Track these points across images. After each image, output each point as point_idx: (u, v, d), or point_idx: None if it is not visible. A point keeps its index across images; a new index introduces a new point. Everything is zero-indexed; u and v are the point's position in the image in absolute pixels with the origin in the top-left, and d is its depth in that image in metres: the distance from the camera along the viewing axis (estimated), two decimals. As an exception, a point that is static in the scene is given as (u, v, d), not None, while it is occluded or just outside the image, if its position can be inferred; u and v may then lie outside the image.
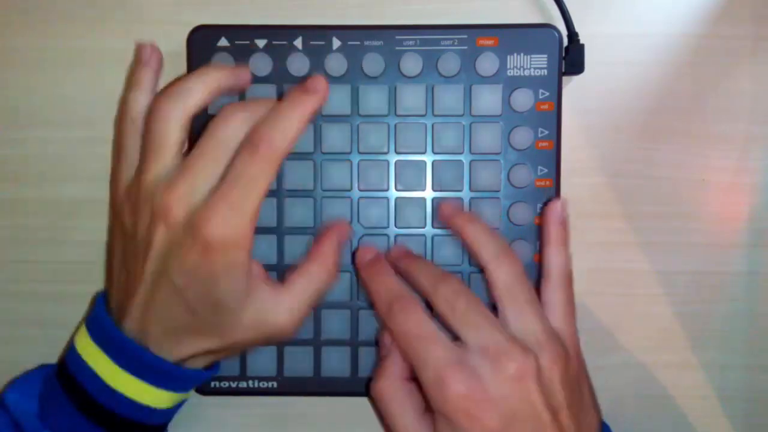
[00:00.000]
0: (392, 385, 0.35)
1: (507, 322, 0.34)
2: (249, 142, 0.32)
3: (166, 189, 0.32)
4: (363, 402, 0.41)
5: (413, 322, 0.34)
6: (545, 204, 0.38)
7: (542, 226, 0.38)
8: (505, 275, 0.35)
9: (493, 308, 0.35)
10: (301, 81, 0.35)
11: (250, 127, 0.33)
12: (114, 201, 0.35)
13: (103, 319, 0.34)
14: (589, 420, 0.35)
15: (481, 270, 0.36)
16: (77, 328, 0.37)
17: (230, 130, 0.33)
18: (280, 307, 0.34)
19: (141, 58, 0.36)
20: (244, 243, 0.32)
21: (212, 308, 0.33)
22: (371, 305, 0.38)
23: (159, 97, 0.34)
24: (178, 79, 0.35)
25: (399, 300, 0.35)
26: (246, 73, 0.36)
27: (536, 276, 0.38)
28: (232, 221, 0.31)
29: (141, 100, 0.35)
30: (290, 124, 0.33)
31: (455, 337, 0.34)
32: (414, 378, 0.35)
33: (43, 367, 0.37)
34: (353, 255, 0.39)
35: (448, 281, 0.35)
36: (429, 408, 0.34)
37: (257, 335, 0.34)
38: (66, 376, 0.35)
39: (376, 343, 0.40)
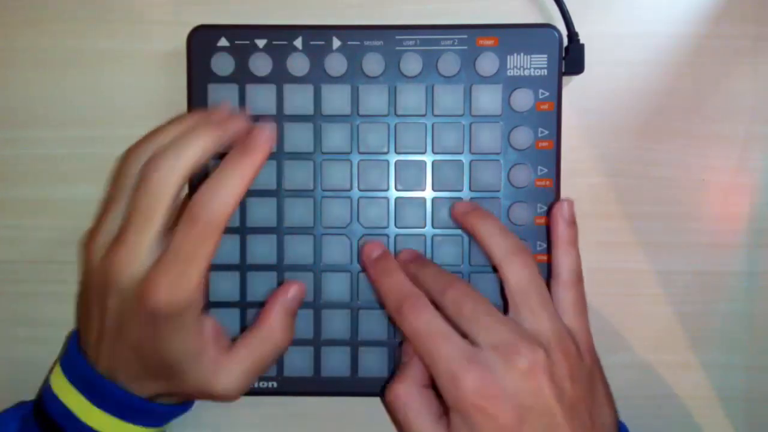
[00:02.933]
0: (410, 390, 0.35)
1: (520, 319, 0.34)
2: (188, 216, 0.32)
3: (109, 253, 0.33)
4: (363, 402, 0.41)
5: (424, 320, 0.34)
6: (552, 205, 0.38)
7: (550, 226, 0.38)
8: (517, 274, 0.35)
9: (503, 308, 0.36)
10: (252, 128, 0.33)
11: (182, 177, 0.32)
12: (80, 252, 0.36)
13: (76, 359, 0.35)
14: (604, 417, 0.35)
15: (494, 268, 0.36)
16: (53, 367, 0.37)
17: (160, 190, 0.32)
18: (222, 374, 0.34)
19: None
20: (189, 310, 0.32)
21: (163, 366, 0.34)
22: (380, 303, 0.38)
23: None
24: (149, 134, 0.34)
25: (408, 299, 0.35)
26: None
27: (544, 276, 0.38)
28: (176, 293, 0.31)
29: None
30: (230, 192, 0.32)
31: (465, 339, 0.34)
32: (432, 385, 0.35)
33: (20, 406, 0.37)
34: (358, 252, 0.39)
35: (455, 284, 0.35)
36: (445, 412, 0.34)
37: (203, 394, 0.35)
38: (42, 413, 0.35)
39: (376, 343, 0.40)
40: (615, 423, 0.36)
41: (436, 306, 0.35)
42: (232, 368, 0.34)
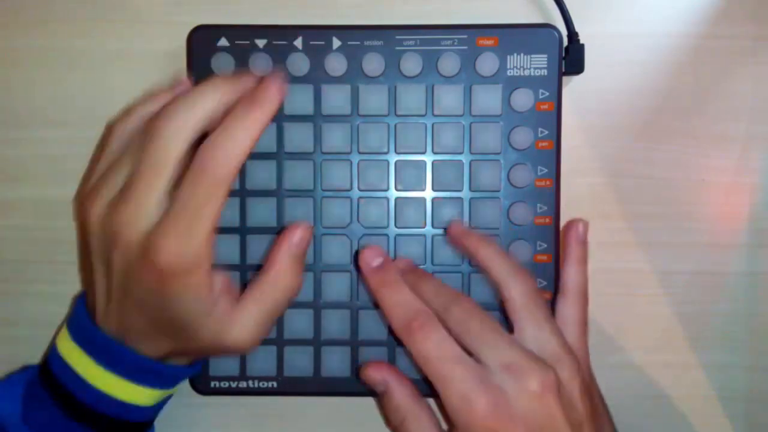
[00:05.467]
0: (409, 411, 0.35)
1: (525, 337, 0.34)
2: (195, 166, 0.31)
3: (114, 211, 0.32)
4: (363, 402, 0.41)
5: (434, 342, 0.33)
6: (568, 223, 0.39)
7: (564, 244, 0.38)
8: (521, 293, 0.35)
9: (506, 325, 0.36)
10: (263, 79, 0.32)
11: (188, 137, 0.31)
12: (75, 208, 0.35)
13: (83, 320, 0.34)
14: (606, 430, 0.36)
15: (496, 290, 0.36)
16: (59, 329, 0.37)
17: (167, 147, 0.31)
18: (235, 327, 0.33)
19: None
20: (199, 266, 0.31)
21: (175, 319, 0.33)
22: (375, 306, 0.38)
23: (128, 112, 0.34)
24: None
25: (418, 318, 0.34)
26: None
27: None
28: (185, 248, 0.31)
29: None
30: (239, 144, 0.31)
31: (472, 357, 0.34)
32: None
33: (26, 370, 0.37)
34: (355, 255, 0.39)
35: (459, 301, 0.35)
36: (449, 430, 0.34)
37: (216, 348, 0.34)
38: (49, 377, 0.35)
39: (376, 343, 0.40)
40: None
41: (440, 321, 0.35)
42: (244, 320, 0.33)
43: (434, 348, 0.33)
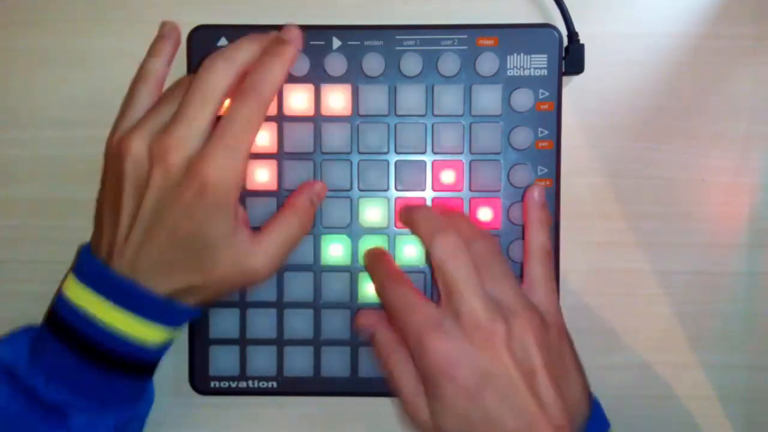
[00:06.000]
0: (394, 351, 0.37)
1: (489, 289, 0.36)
2: (240, 92, 0.35)
3: (163, 135, 0.35)
4: (363, 402, 0.41)
5: (399, 293, 0.37)
6: (524, 192, 0.39)
7: (525, 211, 0.39)
8: (480, 248, 0.36)
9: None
10: (279, 31, 0.38)
11: (233, 75, 0.35)
12: (111, 147, 0.37)
13: (94, 263, 0.36)
14: (573, 390, 0.37)
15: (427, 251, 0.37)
16: (62, 281, 0.37)
17: (216, 79, 0.35)
18: (259, 251, 0.36)
19: (163, 32, 0.39)
20: (236, 183, 0.35)
21: (199, 245, 0.35)
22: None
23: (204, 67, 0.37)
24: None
25: (389, 277, 0.38)
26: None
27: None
28: (229, 162, 0.34)
29: (157, 67, 0.38)
30: (275, 74, 0.36)
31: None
32: None
33: (28, 328, 0.38)
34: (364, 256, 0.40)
35: (445, 234, 0.36)
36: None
37: (235, 276, 0.36)
38: (56, 323, 0.36)
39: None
40: (586, 397, 0.37)
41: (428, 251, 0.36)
42: (267, 248, 0.37)
43: (399, 298, 0.36)
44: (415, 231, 0.38)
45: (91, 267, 0.36)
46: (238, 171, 0.35)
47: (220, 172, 0.34)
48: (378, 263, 0.39)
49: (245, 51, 0.36)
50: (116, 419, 0.36)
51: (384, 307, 0.38)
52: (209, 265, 0.35)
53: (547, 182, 0.39)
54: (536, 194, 0.39)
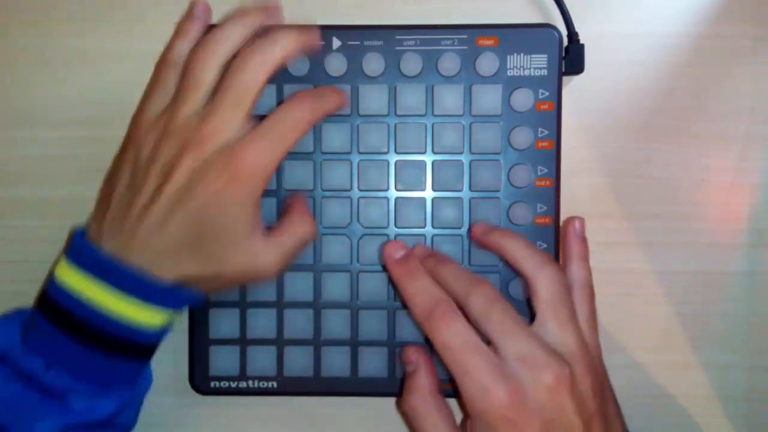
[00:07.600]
0: (424, 400, 0.36)
1: (546, 331, 0.35)
2: (294, 97, 0.36)
3: (200, 122, 0.35)
4: (363, 402, 0.41)
5: (455, 331, 0.34)
6: (565, 222, 0.39)
7: (564, 242, 0.39)
8: (548, 289, 0.36)
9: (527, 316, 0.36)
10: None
11: (269, 69, 0.35)
12: (136, 129, 0.36)
13: (89, 248, 0.35)
14: (616, 429, 0.36)
15: (524, 282, 0.37)
16: (54, 266, 0.37)
17: (252, 73, 0.35)
18: (271, 251, 0.36)
19: (193, 12, 0.39)
20: (267, 178, 0.35)
21: (217, 234, 0.35)
22: (403, 304, 0.38)
23: (200, 43, 0.37)
24: (218, 26, 0.36)
25: (439, 306, 0.35)
26: (276, 9, 0.38)
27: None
28: (267, 155, 0.34)
29: (184, 48, 0.37)
30: (335, 98, 0.37)
31: (488, 343, 0.34)
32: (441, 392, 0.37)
33: (18, 311, 0.38)
34: (379, 252, 0.39)
35: (481, 288, 0.35)
36: (463, 422, 0.35)
37: (245, 271, 0.36)
38: (49, 307, 0.35)
39: (376, 343, 0.40)
40: None
41: (459, 306, 0.35)
42: (277, 247, 0.36)
43: (455, 337, 0.34)
44: (446, 287, 0.36)
45: (88, 252, 0.35)
46: (272, 167, 0.35)
47: (256, 162, 0.34)
48: (414, 280, 0.37)
49: (284, 46, 0.36)
50: (116, 401, 0.36)
51: (431, 340, 0.35)
52: (223, 256, 0.35)
53: (547, 182, 0.39)
54: (578, 227, 0.39)
